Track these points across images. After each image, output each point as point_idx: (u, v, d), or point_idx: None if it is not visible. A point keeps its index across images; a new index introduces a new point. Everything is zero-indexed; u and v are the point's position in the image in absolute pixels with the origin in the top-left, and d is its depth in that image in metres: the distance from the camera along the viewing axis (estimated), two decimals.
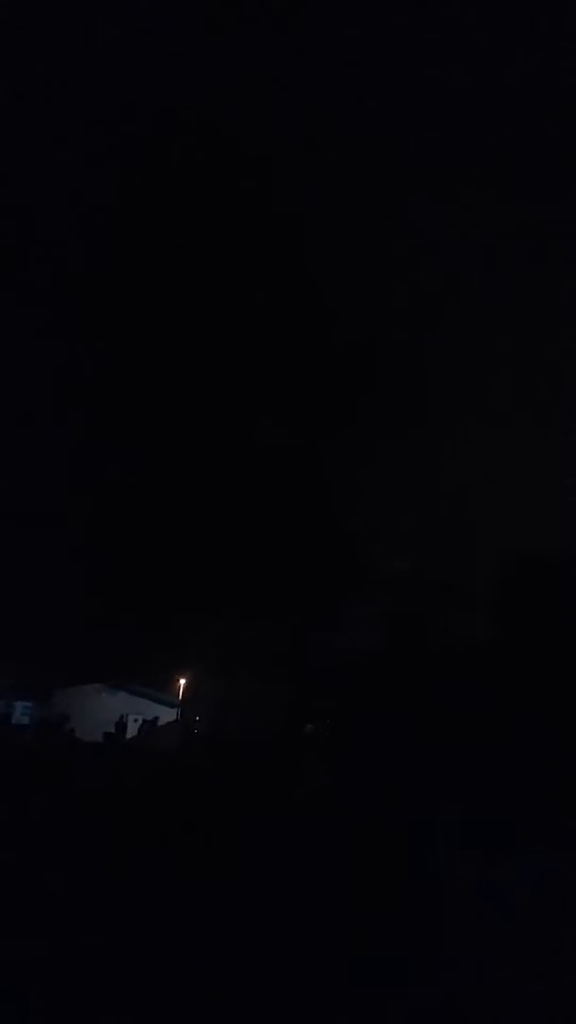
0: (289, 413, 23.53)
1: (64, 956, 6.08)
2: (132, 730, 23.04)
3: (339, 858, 9.96)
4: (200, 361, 24.67)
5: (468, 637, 16.70)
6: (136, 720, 23.39)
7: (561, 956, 7.62)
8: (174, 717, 23.28)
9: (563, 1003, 6.58)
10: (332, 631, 19.89)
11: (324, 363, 24.31)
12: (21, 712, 22.16)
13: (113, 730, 22.15)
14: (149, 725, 20.59)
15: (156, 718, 22.10)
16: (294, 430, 23.10)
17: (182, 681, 24.26)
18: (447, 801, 11.52)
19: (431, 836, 9.68)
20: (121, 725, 22.31)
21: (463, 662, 15.38)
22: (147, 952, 6.62)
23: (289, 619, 20.70)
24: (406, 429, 22.48)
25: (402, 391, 23.43)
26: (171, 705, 24.20)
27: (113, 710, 23.56)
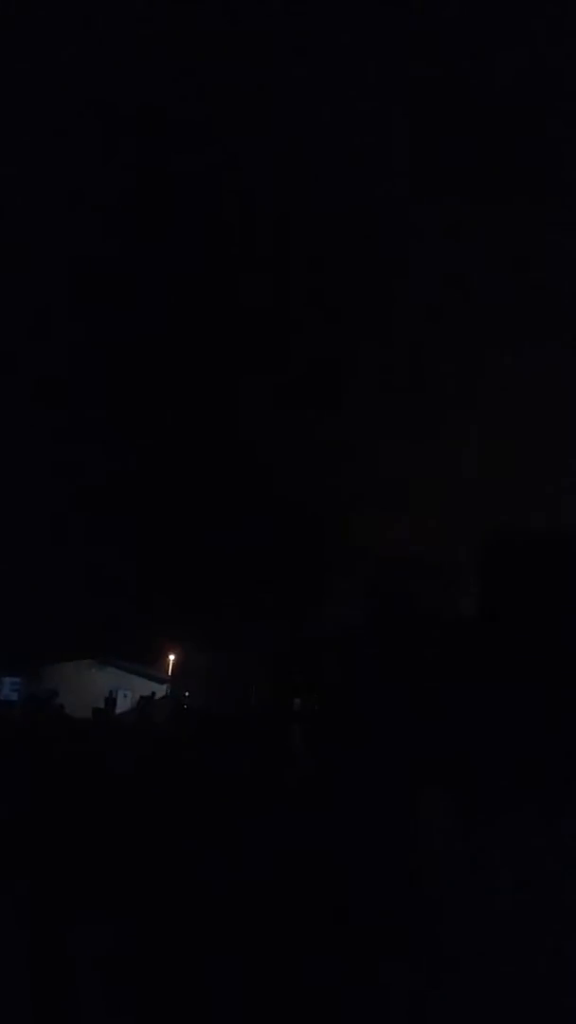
0: (278, 392, 23.49)
1: (58, 938, 6.14)
2: (122, 705, 23.19)
3: (329, 837, 10.11)
4: (194, 344, 24.52)
5: (455, 612, 16.86)
6: (126, 696, 23.54)
7: (552, 924, 7.81)
8: (164, 693, 23.45)
9: (555, 974, 6.72)
10: (320, 607, 20.06)
11: (311, 344, 24.20)
12: (10, 688, 22.25)
13: (103, 706, 22.29)
14: (145, 701, 20.70)
15: (152, 693, 22.27)
16: (283, 409, 23.08)
17: (171, 657, 24.39)
18: (435, 771, 11.73)
19: (420, 808, 9.86)
20: (111, 701, 22.42)
21: (450, 637, 15.57)
22: (142, 931, 6.67)
23: (277, 596, 20.85)
24: (395, 409, 22.48)
25: (391, 370, 23.37)
26: (160, 681, 24.34)
27: (102, 686, 23.65)
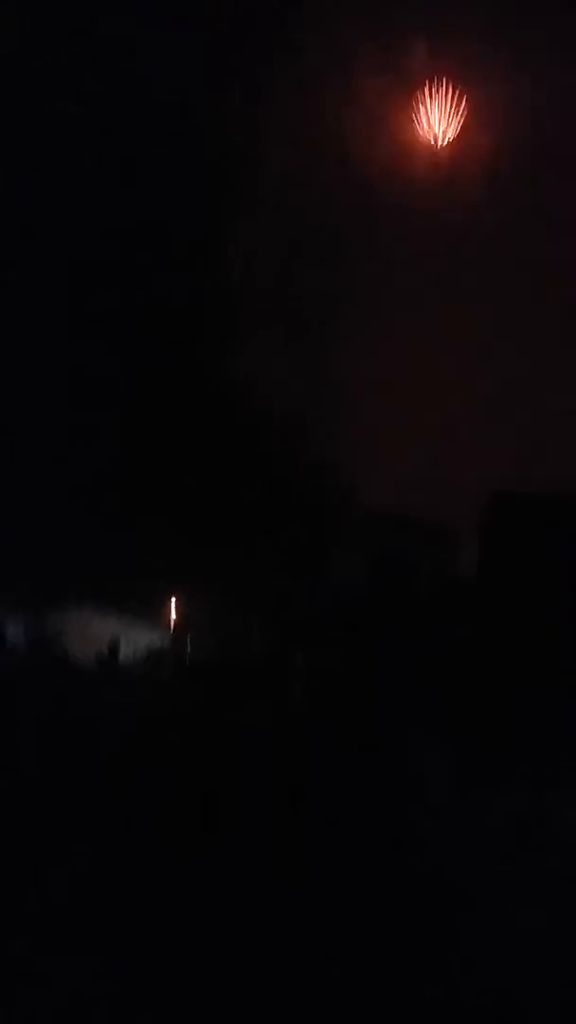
0: (269, 346, 23.10)
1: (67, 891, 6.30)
2: (125, 652, 23.47)
3: (328, 787, 10.33)
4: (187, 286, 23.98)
5: (455, 569, 16.91)
6: (128, 643, 23.80)
7: (551, 882, 8.05)
8: (167, 640, 23.72)
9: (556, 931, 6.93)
10: (320, 563, 20.16)
11: (304, 287, 23.65)
12: (13, 632, 22.47)
13: (105, 652, 22.58)
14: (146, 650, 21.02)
15: (153, 644, 22.61)
16: (274, 362, 22.75)
17: (173, 605, 24.58)
18: (434, 731, 11.94)
19: (419, 764, 10.08)
20: (113, 647, 22.70)
21: (451, 594, 15.68)
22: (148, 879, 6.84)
23: (277, 548, 20.93)
24: (388, 360, 22.10)
25: (383, 318, 22.88)
26: (162, 628, 24.58)
27: (104, 632, 23.84)
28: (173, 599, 23.95)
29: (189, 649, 22.50)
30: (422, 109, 22.57)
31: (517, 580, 13.32)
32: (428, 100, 22.48)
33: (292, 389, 21.88)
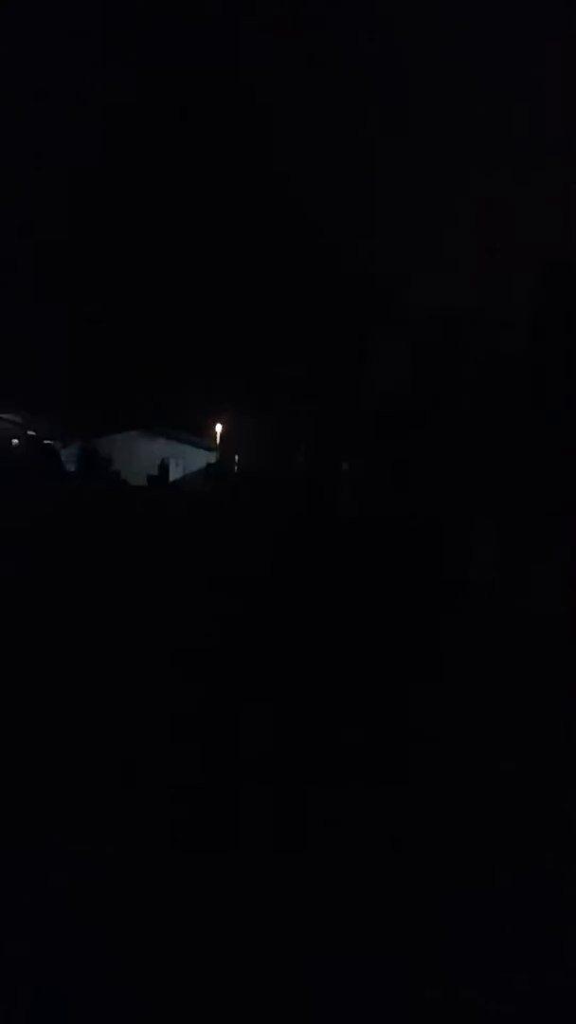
0: (299, 149, 21.41)
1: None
2: (174, 474, 24.05)
3: (373, 579, 10.65)
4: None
5: (504, 364, 16.29)
6: (178, 464, 24.29)
7: None
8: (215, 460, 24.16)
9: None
10: (363, 367, 19.72)
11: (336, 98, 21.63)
12: (67, 456, 23.08)
13: (156, 473, 23.18)
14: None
15: (209, 463, 23.12)
16: (306, 165, 21.18)
17: (218, 426, 24.74)
18: (478, 518, 12.08)
19: (468, 537, 10.30)
20: (163, 468, 23.25)
21: (497, 390, 15.26)
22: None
23: (319, 357, 20.50)
24: (420, 148, 20.33)
25: (412, 118, 20.88)
26: (209, 449, 24.92)
27: (154, 456, 24.28)
28: (218, 418, 24.12)
29: (237, 466, 22.91)
30: None
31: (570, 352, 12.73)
32: None
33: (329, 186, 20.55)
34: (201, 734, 5.61)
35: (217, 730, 5.71)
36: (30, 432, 23.68)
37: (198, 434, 24.92)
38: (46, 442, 23.33)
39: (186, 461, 24.60)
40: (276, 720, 5.92)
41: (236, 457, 22.99)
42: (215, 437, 24.74)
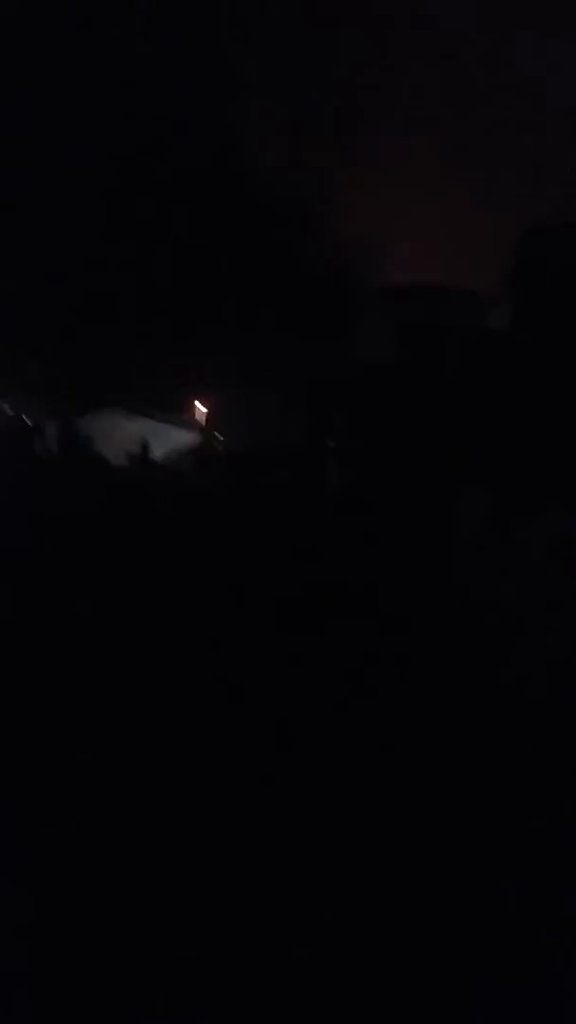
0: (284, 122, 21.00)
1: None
2: (156, 454, 23.66)
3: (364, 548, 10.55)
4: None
5: (488, 341, 16.18)
6: (158, 443, 23.91)
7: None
8: (197, 436, 23.81)
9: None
10: (347, 343, 19.52)
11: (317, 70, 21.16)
12: (46, 437, 22.64)
13: (138, 451, 22.78)
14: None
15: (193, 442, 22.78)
16: (292, 140, 20.82)
17: (200, 404, 24.41)
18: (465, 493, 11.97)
19: (459, 508, 10.19)
20: (144, 448, 22.85)
21: (483, 366, 15.11)
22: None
23: (303, 333, 20.23)
24: (406, 118, 19.97)
25: (401, 93, 20.49)
26: (191, 428, 24.57)
27: (134, 435, 23.91)
28: (200, 395, 23.76)
29: (220, 443, 22.58)
30: None
31: (556, 328, 12.65)
32: None
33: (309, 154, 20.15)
34: (188, 720, 5.49)
35: (203, 716, 5.60)
36: (6, 407, 23.24)
37: (180, 412, 24.54)
38: (23, 419, 22.90)
39: (167, 440, 24.20)
40: (266, 703, 5.83)
41: (218, 435, 22.68)
42: (198, 416, 24.39)
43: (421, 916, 3.33)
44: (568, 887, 3.66)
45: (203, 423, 23.76)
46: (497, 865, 3.69)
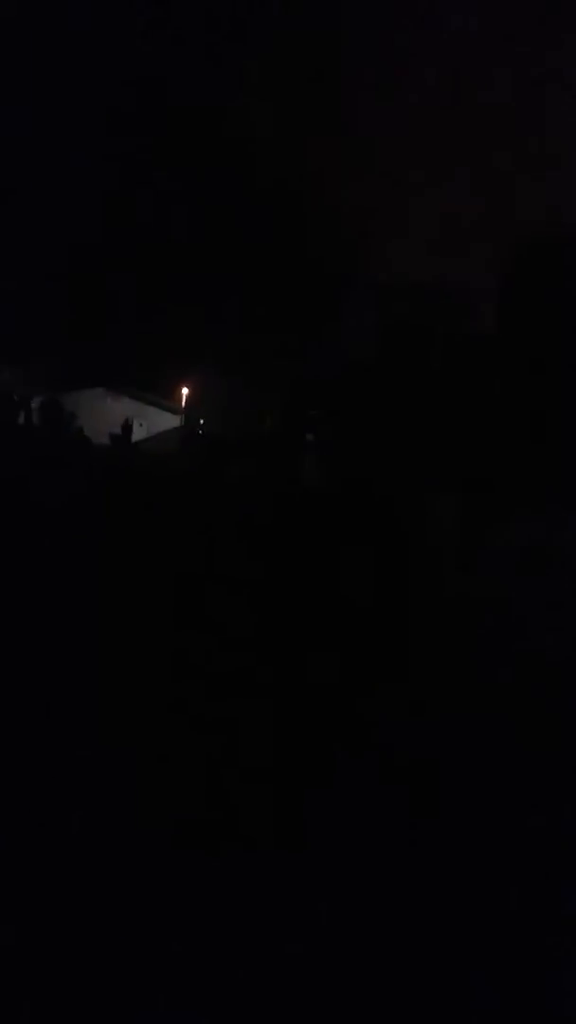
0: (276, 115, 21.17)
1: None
2: (138, 434, 23.85)
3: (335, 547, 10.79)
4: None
5: (470, 340, 16.50)
6: (141, 425, 24.11)
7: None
8: (179, 420, 24.05)
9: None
10: (331, 339, 19.78)
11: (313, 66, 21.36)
12: (34, 408, 22.74)
13: (119, 432, 22.95)
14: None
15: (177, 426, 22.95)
16: (283, 135, 20.97)
17: (185, 389, 24.60)
18: (443, 486, 12.31)
19: (429, 514, 10.51)
20: (127, 428, 23.04)
21: (464, 366, 15.45)
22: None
23: (288, 327, 20.49)
24: (397, 128, 20.28)
25: (394, 95, 20.77)
26: (175, 411, 24.79)
27: (118, 415, 24.05)
28: (185, 379, 23.97)
29: (202, 428, 22.84)
30: None
31: (540, 333, 12.97)
32: None
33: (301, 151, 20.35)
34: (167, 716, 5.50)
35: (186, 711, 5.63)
36: None
37: (164, 395, 24.75)
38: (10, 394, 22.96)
39: (150, 422, 24.42)
40: (247, 696, 5.89)
41: (201, 420, 22.94)
42: (181, 399, 24.61)
43: (421, 916, 3.56)
44: (568, 887, 3.87)
45: (186, 407, 24.00)
46: (497, 865, 3.91)
